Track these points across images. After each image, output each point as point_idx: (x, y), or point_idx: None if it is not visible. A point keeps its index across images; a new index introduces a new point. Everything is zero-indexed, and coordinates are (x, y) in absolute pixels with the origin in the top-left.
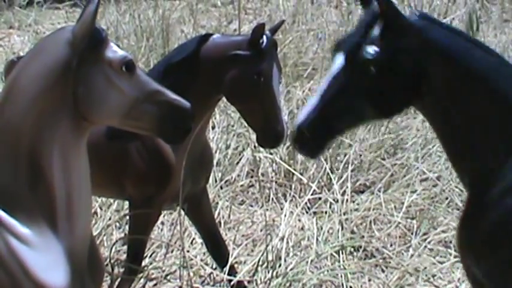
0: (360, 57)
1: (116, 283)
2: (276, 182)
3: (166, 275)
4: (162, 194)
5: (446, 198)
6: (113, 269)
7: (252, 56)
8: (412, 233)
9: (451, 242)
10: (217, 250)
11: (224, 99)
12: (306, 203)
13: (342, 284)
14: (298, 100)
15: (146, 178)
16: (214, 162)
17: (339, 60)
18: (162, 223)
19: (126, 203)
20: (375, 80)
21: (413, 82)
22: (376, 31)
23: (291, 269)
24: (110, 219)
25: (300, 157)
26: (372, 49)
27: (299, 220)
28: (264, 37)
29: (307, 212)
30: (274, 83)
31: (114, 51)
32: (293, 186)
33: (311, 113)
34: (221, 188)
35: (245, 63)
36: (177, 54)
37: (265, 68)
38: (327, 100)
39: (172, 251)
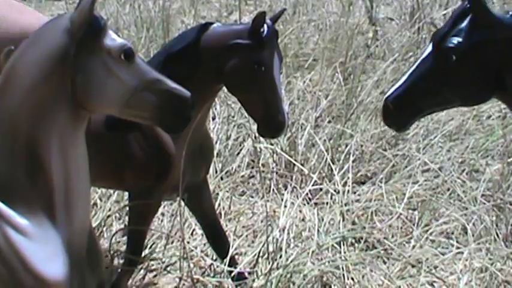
0: (444, 45)
1: (116, 274)
2: (276, 173)
3: (167, 266)
4: (162, 185)
5: (448, 189)
6: (112, 260)
7: (252, 45)
8: (413, 224)
9: (453, 233)
10: (218, 241)
11: (225, 89)
12: (306, 194)
13: (343, 276)
14: (298, 91)
15: (146, 168)
16: (215, 153)
17: (430, 46)
18: (162, 214)
19: (126, 194)
20: (454, 67)
21: (496, 74)
22: (463, 24)
23: (292, 261)
24: (109, 210)
25: (301, 148)
26: (455, 39)
27: (300, 211)
28: (265, 26)
29: (308, 203)
30: (275, 72)
31: (113, 39)
32: (294, 177)
33: (397, 88)
34: (221, 178)
35: (245, 52)
36: (178, 44)
37: (266, 57)
38: (413, 79)
39: (172, 242)
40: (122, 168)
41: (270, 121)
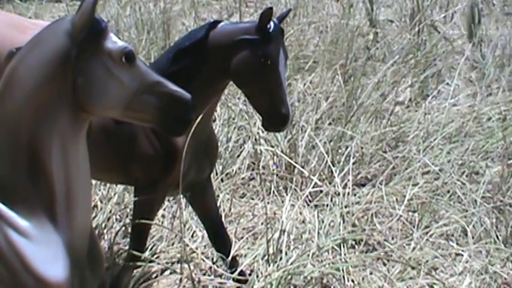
0: None
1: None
2: (277, 175)
3: (167, 268)
4: (167, 178)
5: (448, 191)
6: (113, 262)
7: (259, 40)
8: (413, 226)
9: (452, 235)
10: (220, 241)
11: (225, 91)
12: (307, 196)
13: (343, 278)
14: (299, 93)
15: (152, 161)
16: None
17: None
18: (163, 216)
19: (127, 196)
20: None
21: None
22: None
23: (292, 262)
24: (110, 211)
25: (301, 150)
26: None
27: (300, 213)
28: (271, 23)
29: (308, 205)
30: (280, 67)
31: (114, 41)
32: (294, 179)
33: None
34: (222, 180)
35: (253, 47)
36: (187, 40)
37: (272, 52)
38: None
39: (173, 244)
40: (129, 160)
41: (275, 114)
